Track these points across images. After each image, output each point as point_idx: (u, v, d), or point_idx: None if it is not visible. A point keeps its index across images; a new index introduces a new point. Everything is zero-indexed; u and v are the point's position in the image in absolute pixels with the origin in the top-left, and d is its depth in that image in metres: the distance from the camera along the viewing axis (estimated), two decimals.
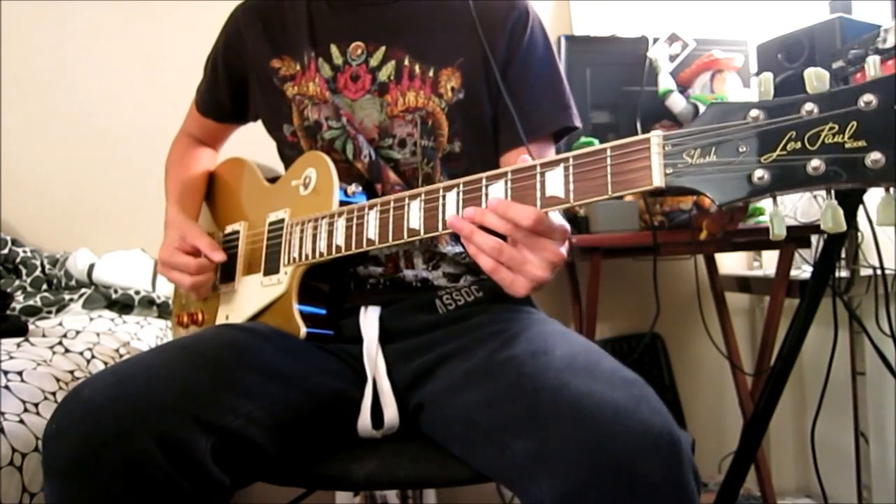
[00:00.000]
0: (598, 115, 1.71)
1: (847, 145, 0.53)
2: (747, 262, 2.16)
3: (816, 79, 0.55)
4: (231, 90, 1.13)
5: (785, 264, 1.72)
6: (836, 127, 0.53)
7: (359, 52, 1.01)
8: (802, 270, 1.85)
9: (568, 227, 0.74)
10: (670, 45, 1.71)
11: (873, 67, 0.54)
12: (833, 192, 0.56)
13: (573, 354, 0.76)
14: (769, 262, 2.06)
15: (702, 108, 1.64)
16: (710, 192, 0.59)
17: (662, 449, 0.64)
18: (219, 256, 1.00)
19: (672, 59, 1.70)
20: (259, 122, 1.14)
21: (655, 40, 1.73)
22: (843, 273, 1.69)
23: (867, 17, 1.53)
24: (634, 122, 1.69)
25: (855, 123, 0.52)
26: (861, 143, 0.52)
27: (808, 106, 0.54)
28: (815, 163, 0.54)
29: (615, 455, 0.64)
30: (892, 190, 0.53)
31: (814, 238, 1.64)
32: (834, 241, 1.36)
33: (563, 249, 0.72)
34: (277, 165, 1.15)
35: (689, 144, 0.60)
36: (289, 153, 1.07)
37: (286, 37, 1.05)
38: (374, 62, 1.00)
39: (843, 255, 1.70)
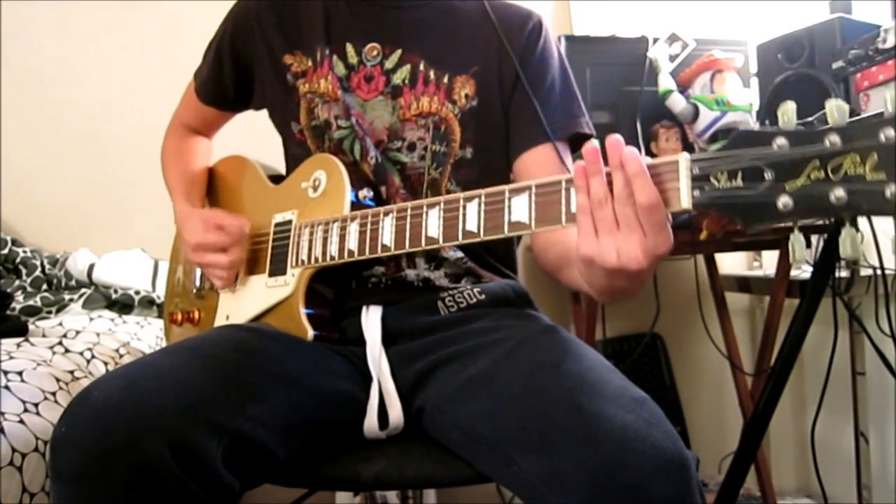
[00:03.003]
0: (598, 115, 1.71)
1: (868, 177, 0.55)
2: (747, 262, 2.16)
3: (837, 111, 0.57)
4: (236, 78, 1.11)
5: (785, 264, 1.72)
6: (858, 158, 0.55)
7: (374, 53, 1.01)
8: (802, 270, 1.85)
9: (670, 243, 0.65)
10: (670, 45, 1.71)
11: (891, 103, 0.56)
12: (850, 219, 0.58)
13: (581, 370, 0.75)
14: (769, 262, 2.06)
15: (702, 109, 1.64)
16: (736, 216, 0.61)
17: (674, 473, 0.65)
18: (246, 225, 0.99)
19: (672, 59, 1.70)
20: (260, 120, 1.14)
21: (655, 40, 1.73)
22: (843, 273, 1.69)
23: (867, 17, 1.54)
24: (634, 122, 1.69)
25: (876, 156, 0.55)
26: (881, 176, 0.54)
27: (832, 137, 0.56)
28: (838, 192, 0.56)
29: (628, 479, 0.64)
30: None
31: (814, 238, 1.65)
32: (834, 241, 1.36)
33: (646, 266, 0.64)
34: (276, 163, 1.15)
35: (717, 168, 0.61)
36: (296, 151, 1.06)
37: (299, 32, 1.04)
38: (389, 64, 1.01)
39: None
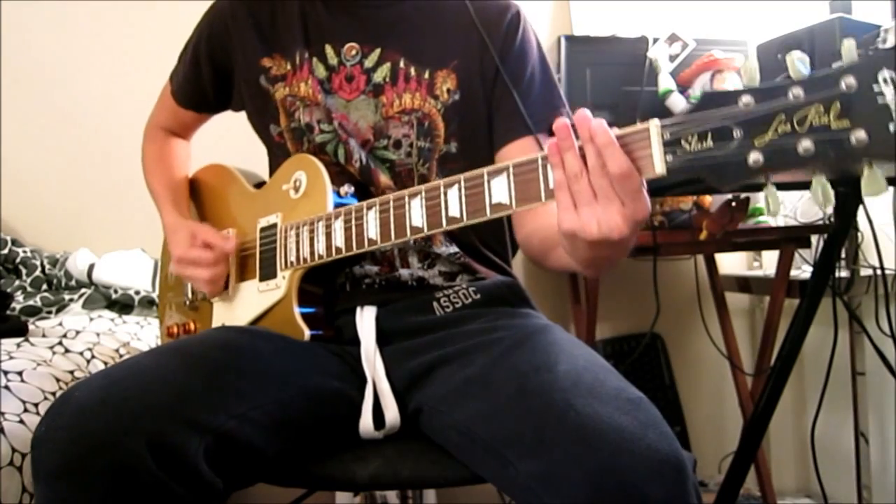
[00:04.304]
0: (598, 115, 1.66)
1: (833, 126, 0.56)
2: (747, 262, 2.16)
3: (799, 63, 0.59)
4: (214, 80, 1.11)
5: (785, 264, 1.72)
6: (822, 108, 0.56)
7: (353, 52, 1.01)
8: (802, 270, 1.85)
9: (648, 208, 0.66)
10: (670, 45, 1.71)
11: (849, 51, 0.56)
12: (824, 175, 0.59)
13: (577, 371, 0.75)
14: (769, 262, 2.06)
15: None
16: (709, 177, 0.61)
17: (669, 474, 0.65)
18: (230, 245, 1.00)
19: (672, 59, 1.70)
20: (241, 124, 1.13)
21: (655, 40, 1.72)
22: (843, 273, 1.69)
23: (867, 17, 1.54)
24: (634, 122, 1.67)
25: (838, 104, 0.56)
26: (845, 123, 0.55)
27: (795, 90, 0.58)
28: (806, 143, 0.57)
29: (623, 480, 0.64)
30: (874, 165, 0.56)
31: (814, 238, 1.65)
32: (834, 241, 1.36)
33: (628, 234, 0.65)
34: (257, 167, 1.14)
35: (687, 131, 0.62)
36: (277, 153, 1.06)
37: (277, 35, 1.04)
38: (368, 63, 1.01)
39: (843, 255, 1.70)
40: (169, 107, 1.19)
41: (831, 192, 0.59)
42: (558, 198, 0.67)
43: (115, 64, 1.90)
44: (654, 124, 0.64)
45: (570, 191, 0.66)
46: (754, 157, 0.59)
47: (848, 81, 0.55)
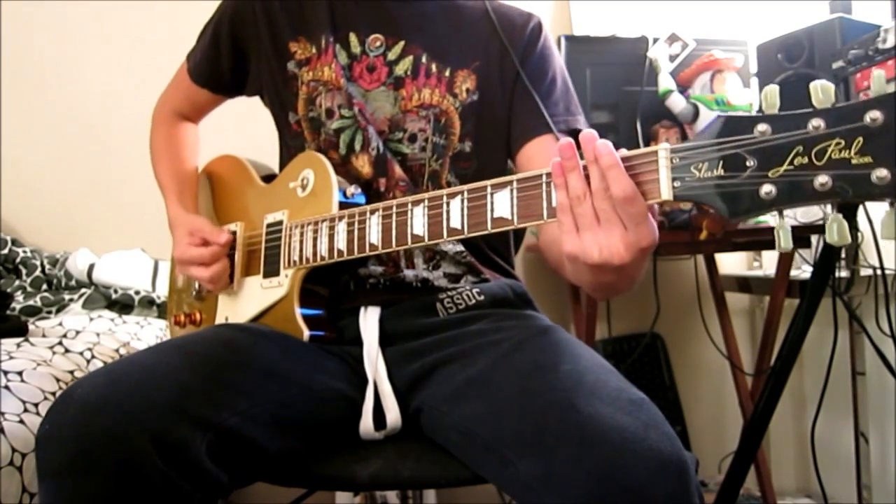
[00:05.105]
0: (598, 115, 1.71)
1: (853, 161, 0.53)
2: (747, 262, 2.16)
3: (822, 92, 0.55)
4: (232, 61, 1.10)
5: (785, 264, 1.72)
6: (843, 142, 0.53)
7: (377, 43, 1.02)
8: (802, 270, 1.85)
9: (654, 237, 0.64)
10: (670, 45, 1.71)
11: (878, 82, 0.53)
12: (837, 205, 0.56)
13: (579, 372, 0.75)
14: (769, 262, 2.06)
15: (702, 109, 1.64)
16: (718, 206, 0.59)
17: (671, 475, 0.64)
18: (224, 237, 1.00)
19: (672, 59, 1.70)
20: (254, 117, 1.13)
21: (655, 40, 1.73)
22: (843, 273, 1.69)
23: (867, 17, 1.54)
24: (634, 122, 1.69)
25: (861, 139, 0.52)
26: (867, 160, 0.52)
27: (815, 121, 0.54)
28: (823, 179, 0.54)
29: (625, 481, 0.63)
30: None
31: (814, 238, 1.65)
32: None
33: (629, 260, 0.64)
34: (268, 160, 1.14)
35: (697, 158, 0.59)
36: (292, 143, 1.06)
37: (303, 19, 1.04)
38: (391, 55, 1.02)
39: (843, 255, 1.70)
40: (183, 86, 1.17)
41: (847, 231, 0.56)
42: (560, 220, 0.66)
43: (115, 64, 1.90)
44: (664, 148, 0.61)
45: (573, 213, 0.65)
46: (767, 188, 0.56)
47: (873, 115, 0.52)
